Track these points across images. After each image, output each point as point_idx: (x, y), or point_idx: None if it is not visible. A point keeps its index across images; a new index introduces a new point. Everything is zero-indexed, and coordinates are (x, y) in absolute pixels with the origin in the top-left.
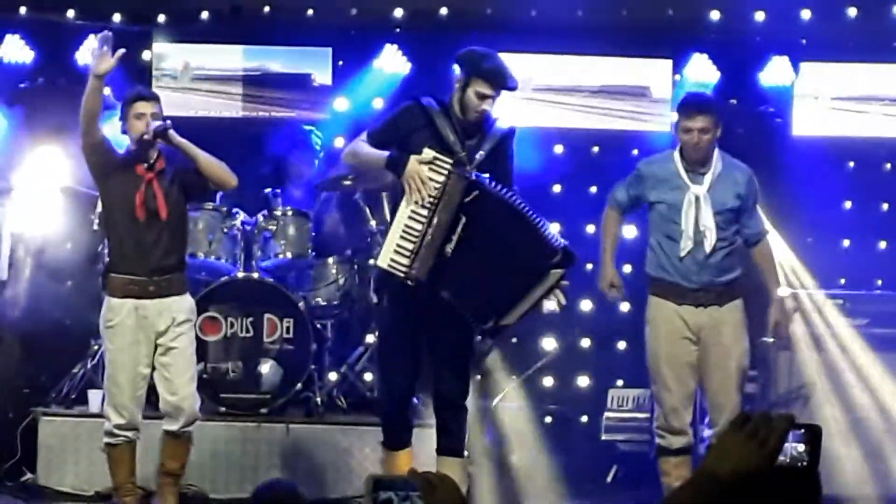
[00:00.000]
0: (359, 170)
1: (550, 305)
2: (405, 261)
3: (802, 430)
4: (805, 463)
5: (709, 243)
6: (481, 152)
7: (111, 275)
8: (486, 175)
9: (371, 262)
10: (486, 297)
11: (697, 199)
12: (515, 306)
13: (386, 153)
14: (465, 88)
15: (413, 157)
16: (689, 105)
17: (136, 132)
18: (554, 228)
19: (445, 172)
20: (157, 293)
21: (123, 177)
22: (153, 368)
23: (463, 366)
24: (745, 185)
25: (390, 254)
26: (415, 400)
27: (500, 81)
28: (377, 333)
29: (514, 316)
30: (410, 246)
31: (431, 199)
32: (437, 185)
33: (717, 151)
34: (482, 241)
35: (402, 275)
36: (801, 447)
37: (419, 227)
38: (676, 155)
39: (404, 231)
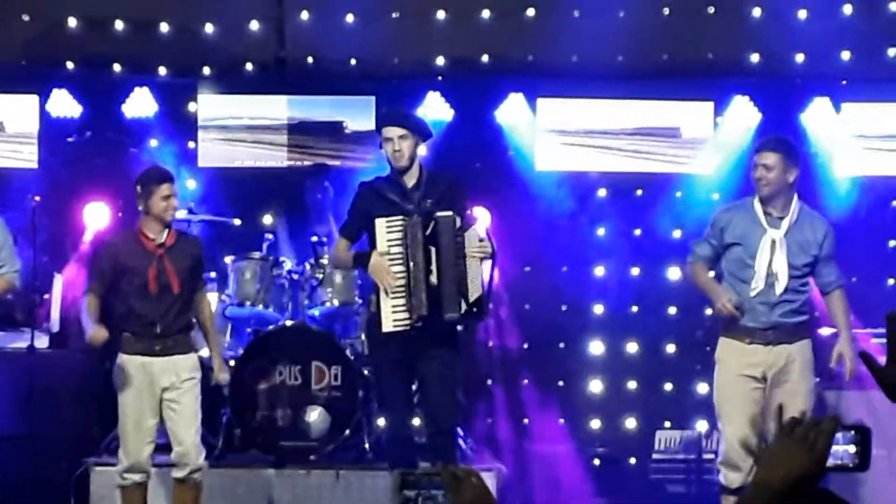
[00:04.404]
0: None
1: (477, 261)
2: (404, 314)
3: (852, 432)
4: (855, 464)
5: (780, 286)
6: (430, 199)
7: (122, 333)
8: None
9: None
10: (455, 294)
11: (773, 242)
12: (467, 282)
13: (352, 255)
14: (381, 149)
15: (374, 253)
16: (760, 143)
17: (165, 214)
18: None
19: (401, 227)
20: (163, 352)
21: (132, 252)
22: (161, 420)
23: (451, 392)
24: (822, 236)
25: (390, 317)
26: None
27: (383, 121)
28: (373, 374)
29: (473, 290)
30: (402, 301)
31: (400, 254)
32: (399, 240)
33: (796, 200)
34: (443, 258)
35: (407, 327)
36: (853, 448)
37: (402, 282)
38: (756, 200)
39: (393, 294)
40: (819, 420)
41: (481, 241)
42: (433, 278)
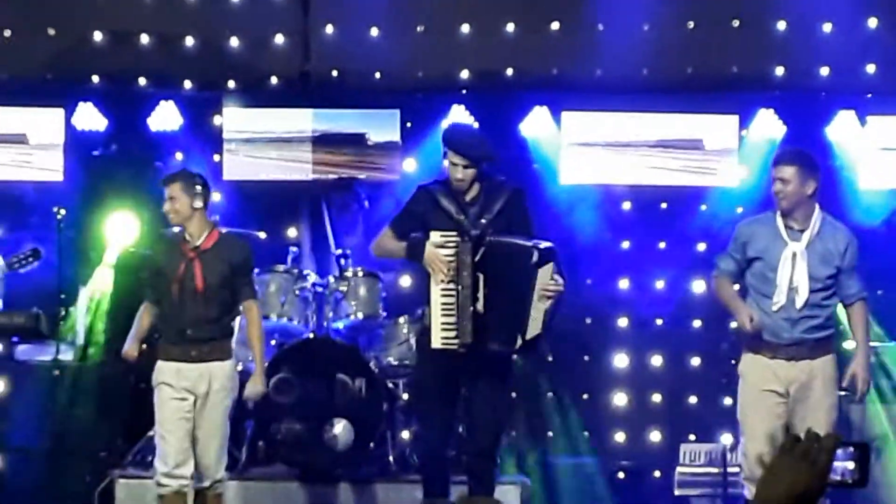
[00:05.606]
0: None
1: (545, 298)
2: (453, 334)
3: (852, 448)
4: (855, 480)
5: (800, 300)
6: (487, 216)
7: (160, 340)
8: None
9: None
10: (509, 327)
11: (794, 255)
12: (528, 319)
13: (405, 244)
14: (445, 160)
15: (428, 243)
16: (777, 156)
17: (168, 216)
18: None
19: (454, 245)
20: (198, 358)
21: (169, 254)
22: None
23: (495, 420)
24: (844, 247)
25: (439, 334)
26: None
27: (459, 149)
28: (414, 388)
29: (533, 328)
30: (452, 319)
31: (452, 272)
32: (451, 258)
33: (818, 211)
34: (500, 285)
35: (455, 347)
36: (852, 464)
37: (452, 299)
38: (778, 214)
39: (443, 309)
40: (818, 437)
41: (554, 279)
42: (479, 306)
